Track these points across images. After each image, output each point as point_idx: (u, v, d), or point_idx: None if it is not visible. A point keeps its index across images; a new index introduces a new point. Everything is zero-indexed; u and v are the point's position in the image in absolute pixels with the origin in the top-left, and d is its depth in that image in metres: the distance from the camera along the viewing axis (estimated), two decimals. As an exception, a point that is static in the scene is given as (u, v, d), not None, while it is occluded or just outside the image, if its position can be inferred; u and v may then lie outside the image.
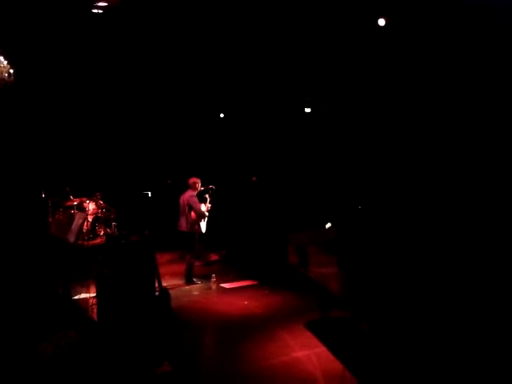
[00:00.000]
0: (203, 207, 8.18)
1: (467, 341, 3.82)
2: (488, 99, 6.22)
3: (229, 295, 7.47)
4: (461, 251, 4.95)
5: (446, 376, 3.83)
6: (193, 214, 7.95)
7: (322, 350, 5.13)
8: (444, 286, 4.15)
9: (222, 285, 8.01)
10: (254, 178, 10.39)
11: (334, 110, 10.27)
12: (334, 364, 4.75)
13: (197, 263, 8.76)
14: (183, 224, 8.01)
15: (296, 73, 9.65)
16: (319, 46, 8.63)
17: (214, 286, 8.01)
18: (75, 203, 9.63)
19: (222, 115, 12.25)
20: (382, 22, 7.16)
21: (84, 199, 9.98)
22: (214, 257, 9.79)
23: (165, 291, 6.26)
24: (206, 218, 8.21)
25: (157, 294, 6.18)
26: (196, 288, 7.87)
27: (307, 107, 10.68)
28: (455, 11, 6.25)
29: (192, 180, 8.15)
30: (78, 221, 7.33)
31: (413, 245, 5.37)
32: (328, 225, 8.34)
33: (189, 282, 8.01)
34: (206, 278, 8.36)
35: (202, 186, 8.26)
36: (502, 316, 3.90)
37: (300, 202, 10.04)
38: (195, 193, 8.11)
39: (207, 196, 8.33)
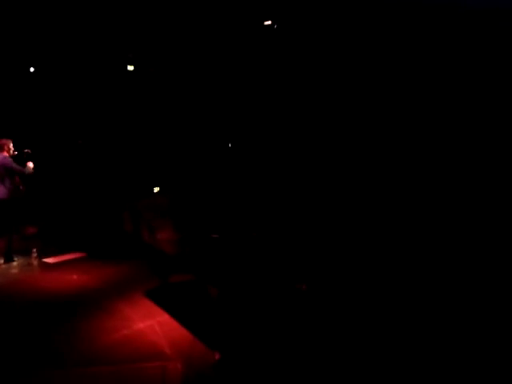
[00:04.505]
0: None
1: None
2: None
3: (54, 271, 6.80)
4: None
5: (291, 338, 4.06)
6: (17, 177, 7.02)
7: (164, 318, 5.01)
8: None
9: (45, 260, 7.26)
10: (79, 141, 9.54)
11: (158, 67, 9.95)
12: (179, 331, 4.68)
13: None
14: (1, 191, 6.98)
15: (118, 29, 9.05)
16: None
17: (35, 262, 7.21)
18: None
19: (32, 69, 10.89)
20: None
21: None
22: (31, 230, 8.82)
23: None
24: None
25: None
26: (14, 266, 7.01)
27: (130, 65, 10.15)
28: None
29: (1, 141, 7.13)
30: None
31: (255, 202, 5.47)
32: (156, 189, 8.16)
33: (9, 259, 7.07)
34: (25, 253, 7.48)
35: (15, 150, 7.28)
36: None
37: (128, 166, 9.59)
38: (8, 155, 7.12)
39: (29, 163, 7.39)
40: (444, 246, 4.63)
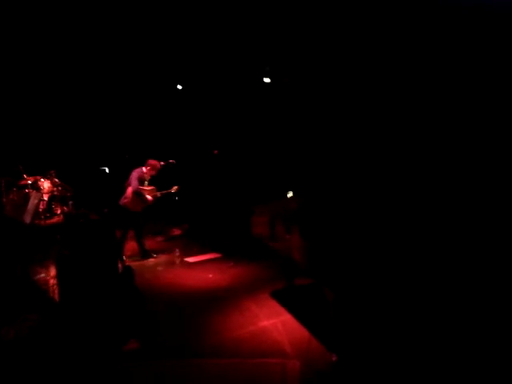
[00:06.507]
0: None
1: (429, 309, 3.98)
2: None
3: (193, 269, 7.46)
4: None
5: (410, 343, 3.98)
6: (129, 189, 7.70)
7: (287, 317, 5.23)
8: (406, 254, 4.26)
9: (186, 259, 7.98)
10: (215, 151, 10.28)
11: (293, 78, 10.20)
12: (299, 331, 4.87)
13: (159, 238, 8.72)
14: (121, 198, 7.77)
15: (254, 42, 9.48)
16: (277, 15, 8.49)
17: (177, 261, 7.97)
18: (29, 182, 9.27)
19: (179, 87, 11.95)
20: None
21: (38, 177, 9.64)
22: (176, 231, 9.74)
23: (128, 268, 6.16)
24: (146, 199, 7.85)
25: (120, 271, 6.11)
26: (159, 263, 7.83)
27: (266, 77, 10.57)
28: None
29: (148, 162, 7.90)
30: (33, 200, 7.12)
31: (375, 212, 5.45)
32: (290, 194, 8.39)
33: (144, 256, 7.93)
34: (169, 252, 8.32)
35: (161, 161, 8.10)
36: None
37: (262, 173, 10.04)
38: (145, 171, 7.83)
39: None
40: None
